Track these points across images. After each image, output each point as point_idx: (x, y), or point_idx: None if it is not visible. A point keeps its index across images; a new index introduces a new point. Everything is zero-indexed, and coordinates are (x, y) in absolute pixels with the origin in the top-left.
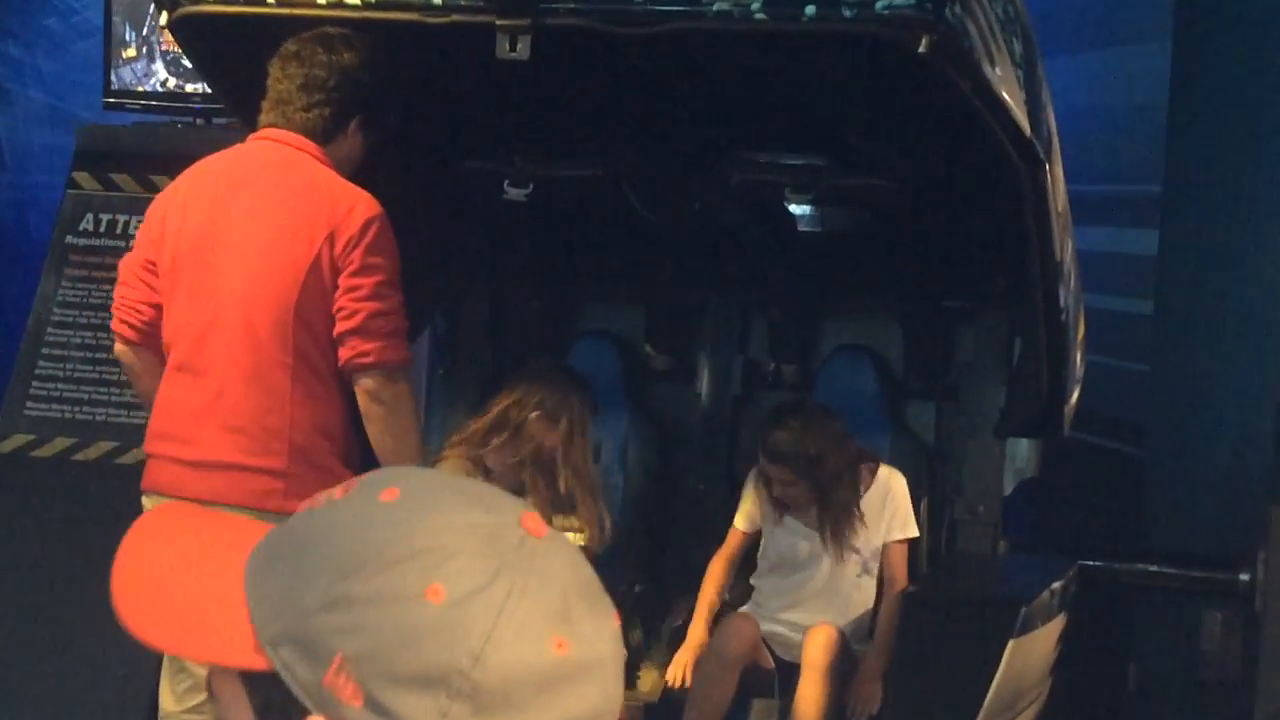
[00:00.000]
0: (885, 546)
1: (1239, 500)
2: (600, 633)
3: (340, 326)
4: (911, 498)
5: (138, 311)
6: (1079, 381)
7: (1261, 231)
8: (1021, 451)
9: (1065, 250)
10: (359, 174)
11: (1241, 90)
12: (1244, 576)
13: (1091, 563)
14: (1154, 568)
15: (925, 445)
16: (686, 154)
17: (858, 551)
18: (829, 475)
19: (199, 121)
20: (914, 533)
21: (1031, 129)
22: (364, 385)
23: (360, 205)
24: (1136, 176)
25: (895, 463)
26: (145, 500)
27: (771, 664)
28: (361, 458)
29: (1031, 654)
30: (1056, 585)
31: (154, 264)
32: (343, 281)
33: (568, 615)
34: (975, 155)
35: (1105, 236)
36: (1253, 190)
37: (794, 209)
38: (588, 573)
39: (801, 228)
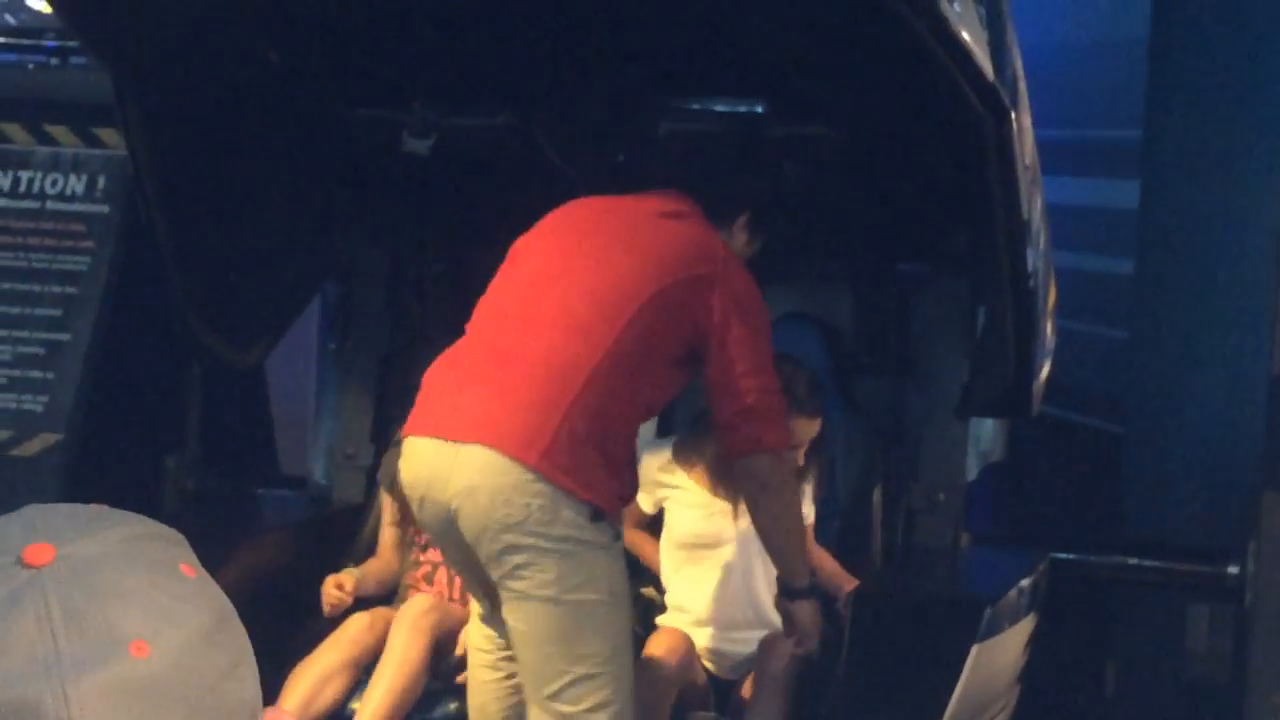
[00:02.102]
0: None
1: (1227, 482)
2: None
3: (727, 406)
4: (863, 484)
5: None
6: (1049, 354)
7: (1254, 182)
8: (986, 432)
9: (1033, 207)
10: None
11: (1231, 21)
12: (1233, 569)
13: (1065, 556)
14: (1134, 560)
15: (879, 426)
16: (608, 100)
17: None
18: None
19: (53, 61)
20: None
21: (995, 73)
22: (751, 468)
23: (743, 272)
24: (1114, 120)
25: (846, 446)
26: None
27: (704, 679)
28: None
29: (998, 659)
30: (1025, 582)
31: None
32: (720, 354)
33: None
34: (933, 102)
35: (1079, 188)
36: (1244, 135)
37: None
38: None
39: None
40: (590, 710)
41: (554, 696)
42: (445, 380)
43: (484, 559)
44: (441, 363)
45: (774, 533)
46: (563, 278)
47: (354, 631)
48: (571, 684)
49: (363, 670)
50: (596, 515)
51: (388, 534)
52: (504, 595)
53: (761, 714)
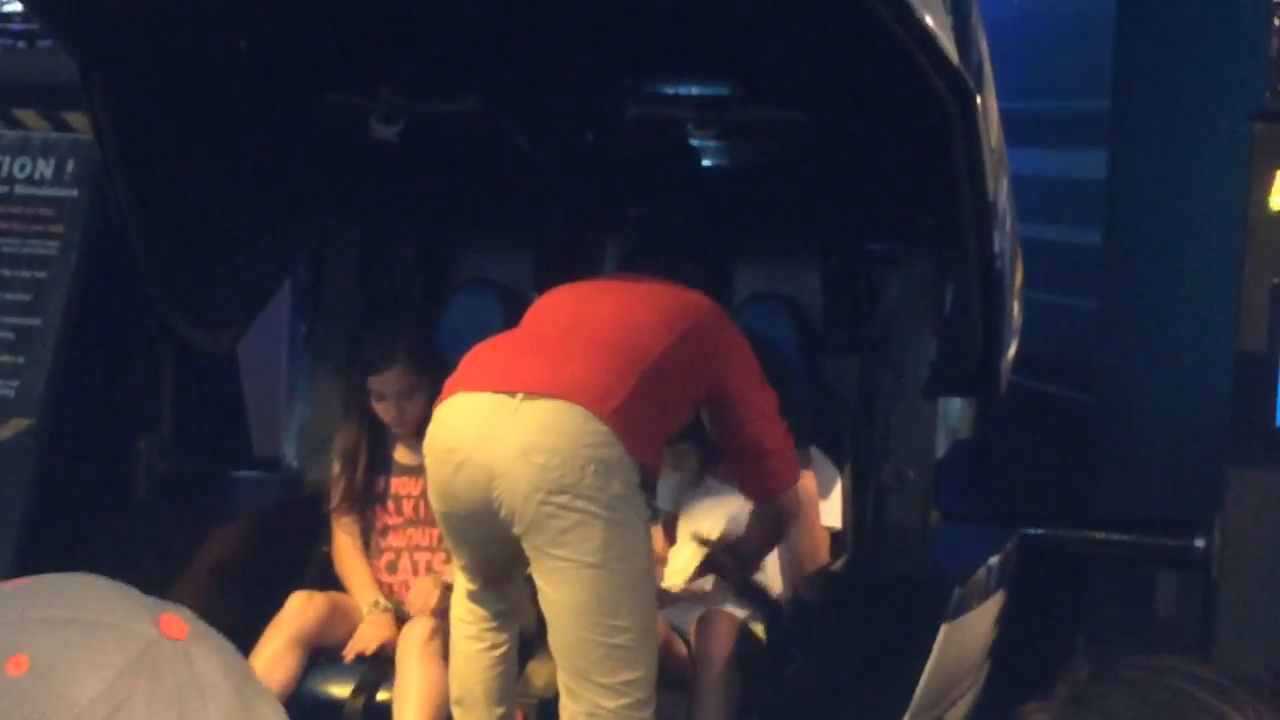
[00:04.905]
0: None
1: (1196, 452)
2: None
3: (751, 451)
4: (834, 463)
5: None
6: (1016, 334)
7: (1220, 151)
8: (955, 410)
9: (999, 189)
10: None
11: None
12: (1199, 542)
13: (1034, 531)
14: (1101, 534)
15: (848, 405)
16: (577, 83)
17: None
18: None
19: (20, 45)
20: None
21: (960, 56)
22: (781, 503)
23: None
24: (1081, 91)
25: (815, 424)
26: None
27: (684, 652)
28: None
29: (967, 637)
30: (994, 560)
31: None
32: (740, 409)
33: None
34: (898, 85)
35: (1047, 159)
36: (1211, 105)
37: (698, 143)
38: (238, 673)
39: (707, 163)
40: (625, 684)
41: (590, 668)
42: (498, 350)
43: (523, 526)
44: (485, 344)
45: (803, 552)
46: (613, 291)
47: (292, 611)
48: (607, 656)
49: (308, 646)
50: (644, 482)
51: (341, 522)
52: (544, 565)
53: (705, 694)
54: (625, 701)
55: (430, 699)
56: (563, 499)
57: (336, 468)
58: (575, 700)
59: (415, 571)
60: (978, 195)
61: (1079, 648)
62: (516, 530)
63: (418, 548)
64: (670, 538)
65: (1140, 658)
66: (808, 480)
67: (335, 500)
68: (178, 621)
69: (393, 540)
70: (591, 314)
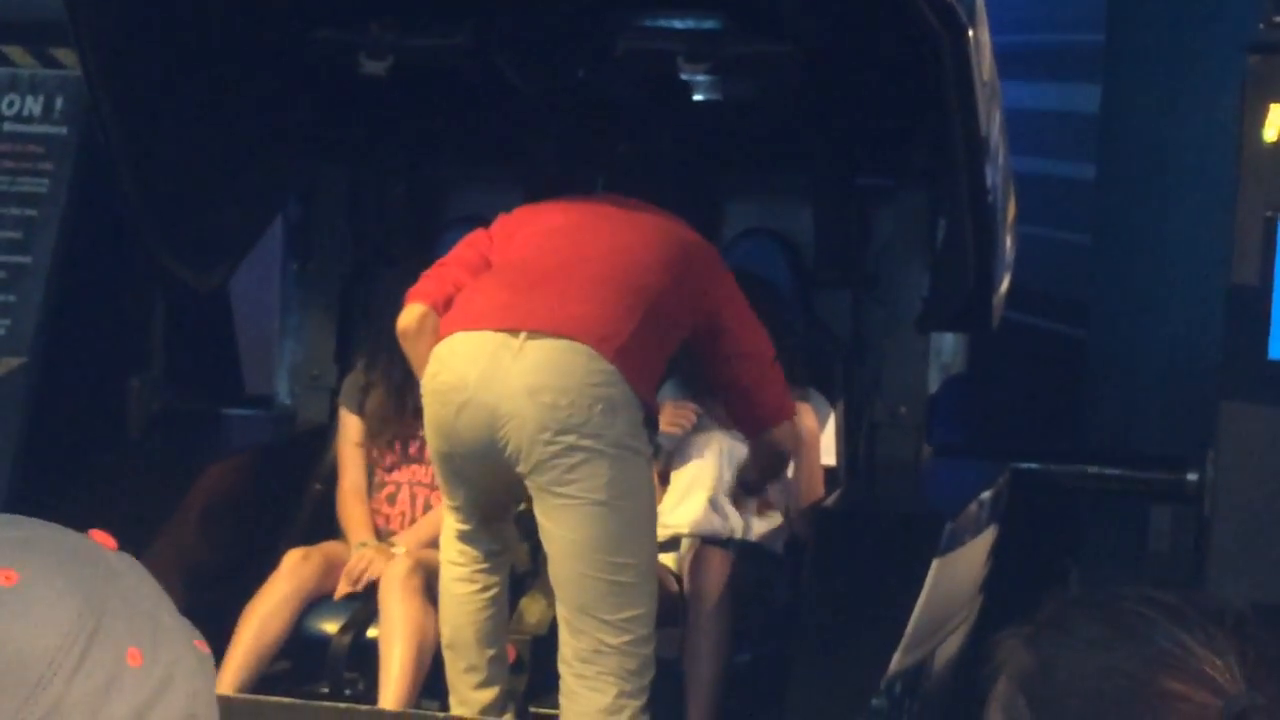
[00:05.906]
0: None
1: (1187, 383)
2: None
3: (740, 387)
4: (827, 399)
5: (455, 285)
6: (1009, 268)
7: (1214, 84)
8: (948, 345)
9: (992, 123)
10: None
11: None
12: (1192, 476)
13: (1027, 466)
14: (1095, 469)
15: (841, 340)
16: (565, 18)
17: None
18: None
19: None
20: None
21: None
22: (783, 432)
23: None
24: (1076, 24)
25: (808, 360)
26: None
27: (674, 587)
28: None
29: (959, 572)
30: (986, 495)
31: (486, 258)
32: (727, 345)
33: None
34: (891, 19)
35: (1042, 93)
36: (1205, 39)
37: (688, 78)
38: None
39: (698, 97)
40: (627, 620)
41: (594, 604)
42: (496, 287)
43: (528, 466)
44: (483, 279)
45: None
46: (611, 226)
47: (290, 566)
48: (611, 593)
49: (304, 601)
50: (647, 420)
51: (350, 454)
52: (549, 503)
53: (700, 629)
54: (628, 638)
55: (413, 635)
56: (570, 438)
57: (380, 404)
58: (577, 636)
59: (413, 505)
60: (970, 129)
61: (1071, 582)
62: (521, 469)
63: (418, 483)
64: (664, 479)
65: (1112, 586)
66: (809, 418)
67: (371, 441)
68: (106, 536)
69: (395, 475)
70: (590, 250)
